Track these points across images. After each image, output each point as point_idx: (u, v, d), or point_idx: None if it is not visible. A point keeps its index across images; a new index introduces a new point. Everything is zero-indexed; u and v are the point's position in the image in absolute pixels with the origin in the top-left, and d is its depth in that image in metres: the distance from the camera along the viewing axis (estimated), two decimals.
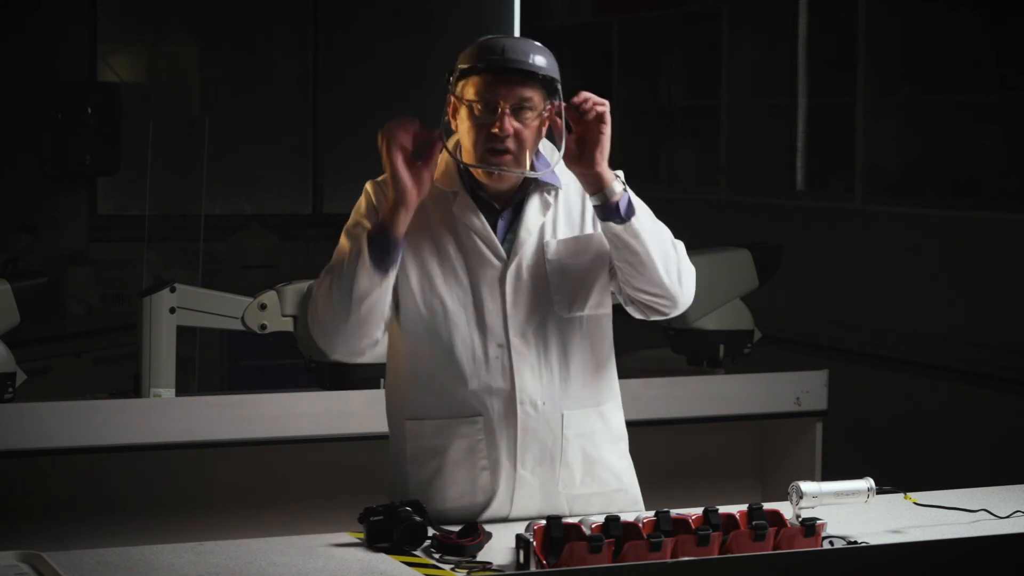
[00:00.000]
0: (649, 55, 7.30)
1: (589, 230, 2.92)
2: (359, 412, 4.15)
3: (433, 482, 2.92)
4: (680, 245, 2.92)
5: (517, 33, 8.61)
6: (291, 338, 4.36)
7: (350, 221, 2.90)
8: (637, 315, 2.96)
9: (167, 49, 8.19)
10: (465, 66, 2.83)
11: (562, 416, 2.91)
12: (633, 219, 2.80)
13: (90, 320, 6.99)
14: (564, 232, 2.92)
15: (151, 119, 6.28)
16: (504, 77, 2.79)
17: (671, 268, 2.86)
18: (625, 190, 2.82)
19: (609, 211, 2.81)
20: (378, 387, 4.18)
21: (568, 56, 7.55)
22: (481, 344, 2.87)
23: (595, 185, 2.81)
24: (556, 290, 2.90)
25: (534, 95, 2.81)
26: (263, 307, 4.29)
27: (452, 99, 2.85)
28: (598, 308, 2.95)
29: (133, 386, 4.29)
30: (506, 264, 2.88)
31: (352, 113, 8.29)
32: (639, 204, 2.85)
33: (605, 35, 7.39)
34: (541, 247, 2.90)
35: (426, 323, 2.88)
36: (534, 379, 2.89)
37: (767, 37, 6.59)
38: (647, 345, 5.03)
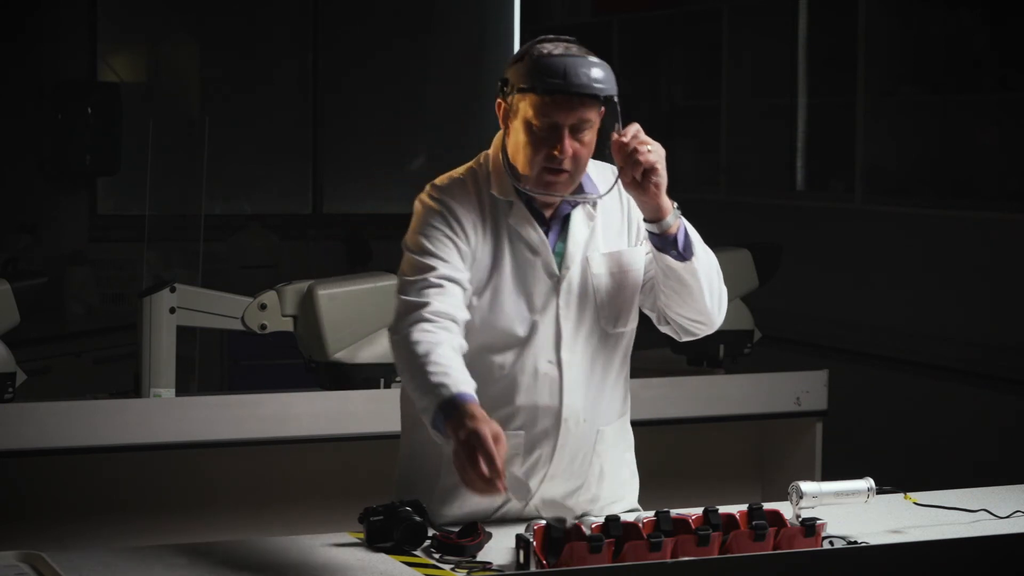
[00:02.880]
0: (649, 55, 7.31)
1: (626, 241, 2.88)
2: (359, 412, 4.14)
3: (461, 487, 2.73)
4: (720, 272, 2.89)
5: (517, 33, 8.61)
6: (291, 338, 4.36)
7: (412, 239, 2.79)
8: (669, 333, 2.96)
9: (167, 49, 8.20)
10: (524, 86, 2.75)
11: (597, 432, 2.91)
12: (693, 258, 2.77)
13: (90, 320, 6.98)
14: (604, 244, 2.88)
15: (151, 119, 6.28)
16: (564, 99, 2.72)
17: (715, 297, 2.86)
18: (678, 218, 2.77)
19: (665, 242, 2.77)
20: (378, 387, 4.18)
21: None
22: (532, 361, 2.83)
23: (653, 213, 2.76)
24: (602, 305, 2.87)
25: (593, 115, 2.76)
26: (263, 307, 4.29)
27: (502, 103, 2.80)
28: (634, 322, 2.94)
29: (133, 386, 4.29)
30: (559, 279, 2.84)
31: (352, 113, 8.28)
32: (695, 237, 2.81)
33: (605, 35, 7.39)
34: (586, 260, 2.86)
35: (480, 338, 2.81)
36: (579, 396, 2.86)
37: (767, 37, 6.59)
38: (647, 345, 5.00)
